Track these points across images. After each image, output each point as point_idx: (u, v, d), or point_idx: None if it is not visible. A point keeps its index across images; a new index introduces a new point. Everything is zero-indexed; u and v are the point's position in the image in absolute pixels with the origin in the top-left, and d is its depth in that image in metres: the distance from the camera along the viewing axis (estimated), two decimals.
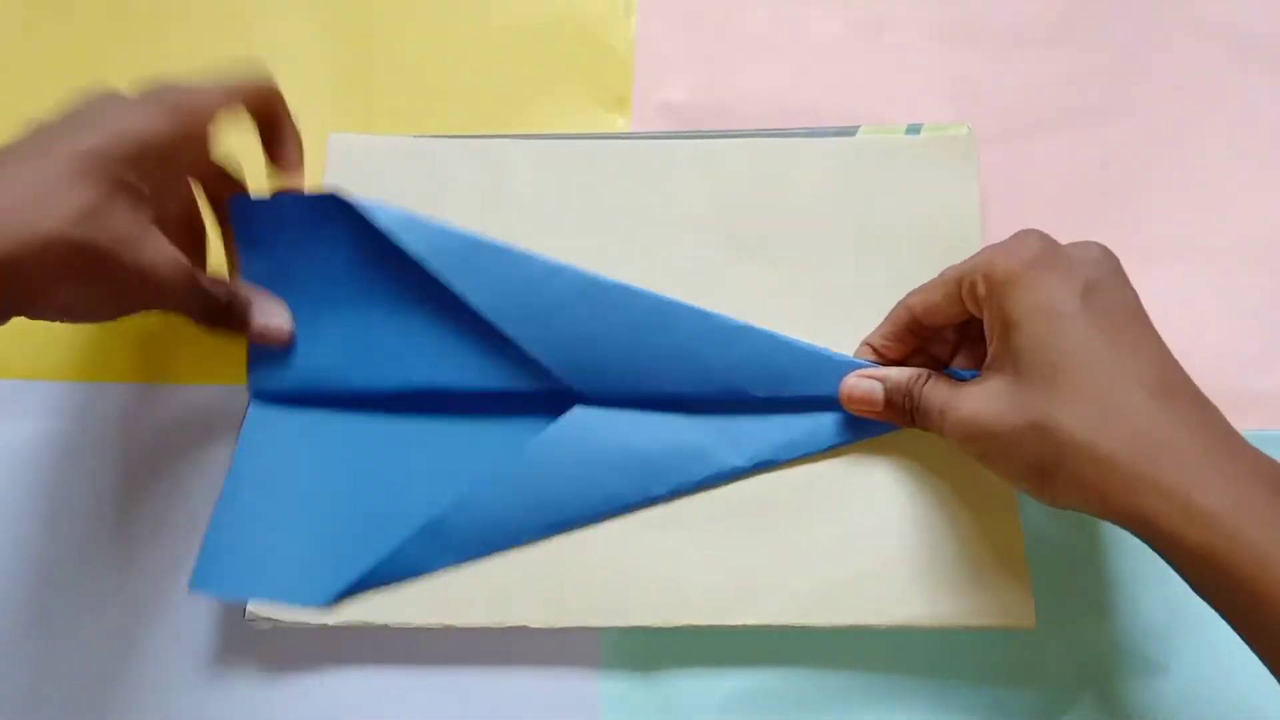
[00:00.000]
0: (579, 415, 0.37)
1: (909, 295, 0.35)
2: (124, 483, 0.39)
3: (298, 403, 0.38)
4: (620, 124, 0.45)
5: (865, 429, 0.37)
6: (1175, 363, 0.30)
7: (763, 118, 0.45)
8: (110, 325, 0.39)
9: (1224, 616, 0.27)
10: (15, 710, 0.36)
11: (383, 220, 0.37)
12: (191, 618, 0.37)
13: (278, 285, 0.38)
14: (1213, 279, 0.42)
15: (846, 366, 0.36)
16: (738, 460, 0.37)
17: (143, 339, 0.42)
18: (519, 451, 0.37)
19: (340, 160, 0.42)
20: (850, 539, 0.36)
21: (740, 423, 0.37)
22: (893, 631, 0.35)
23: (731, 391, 0.37)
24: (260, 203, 0.38)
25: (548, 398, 0.37)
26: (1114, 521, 0.28)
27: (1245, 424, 0.38)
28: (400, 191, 0.41)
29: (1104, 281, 0.30)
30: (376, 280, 0.38)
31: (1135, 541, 0.37)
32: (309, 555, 0.36)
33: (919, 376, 0.34)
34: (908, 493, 0.36)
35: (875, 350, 0.37)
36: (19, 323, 0.42)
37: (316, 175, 0.42)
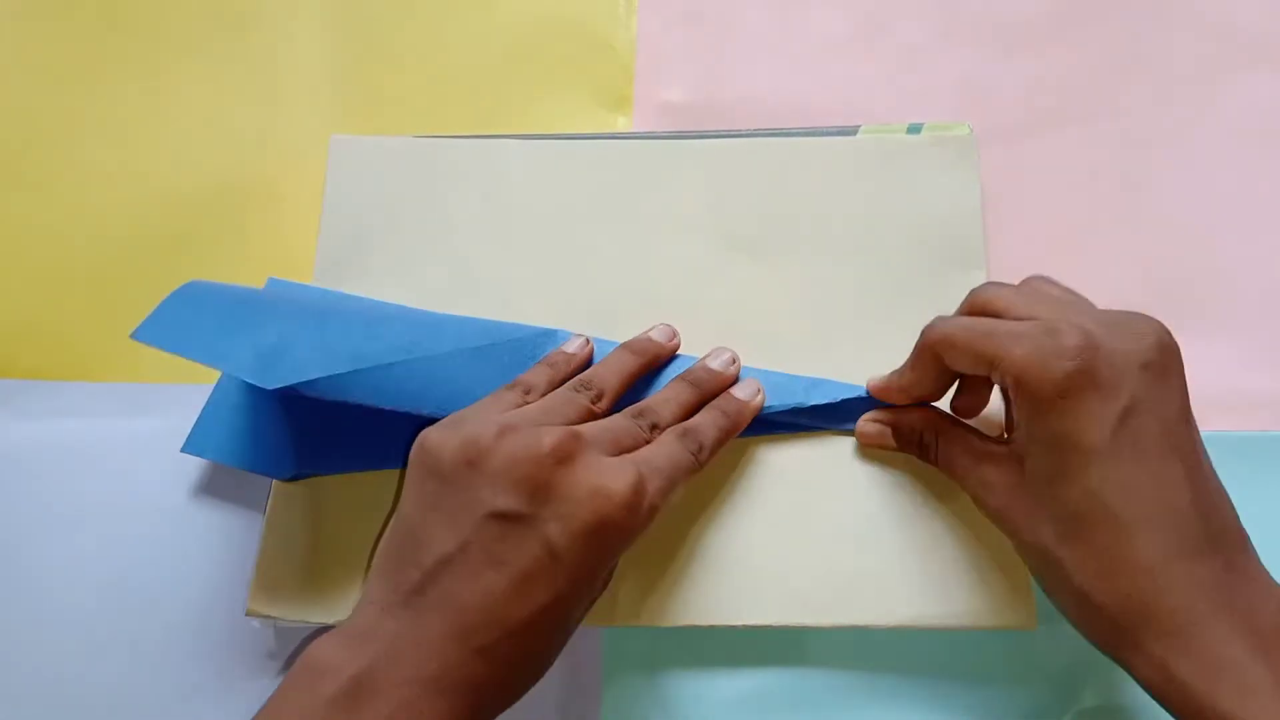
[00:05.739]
0: None
1: (937, 325, 0.32)
2: (127, 482, 0.39)
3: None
4: (621, 124, 0.45)
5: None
6: (1204, 496, 0.28)
7: (763, 118, 0.44)
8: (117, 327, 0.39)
9: None
10: (17, 709, 0.36)
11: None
12: (193, 616, 0.37)
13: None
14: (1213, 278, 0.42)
15: (858, 401, 0.36)
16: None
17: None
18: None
19: (342, 161, 0.42)
20: (850, 539, 0.36)
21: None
22: (893, 631, 0.35)
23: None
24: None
25: None
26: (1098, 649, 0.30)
27: (1244, 425, 0.39)
28: (401, 192, 0.42)
29: (1146, 398, 0.28)
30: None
31: None
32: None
33: (929, 424, 0.35)
34: (908, 493, 0.36)
35: (900, 387, 0.35)
36: (22, 323, 0.42)
37: (318, 176, 0.43)
